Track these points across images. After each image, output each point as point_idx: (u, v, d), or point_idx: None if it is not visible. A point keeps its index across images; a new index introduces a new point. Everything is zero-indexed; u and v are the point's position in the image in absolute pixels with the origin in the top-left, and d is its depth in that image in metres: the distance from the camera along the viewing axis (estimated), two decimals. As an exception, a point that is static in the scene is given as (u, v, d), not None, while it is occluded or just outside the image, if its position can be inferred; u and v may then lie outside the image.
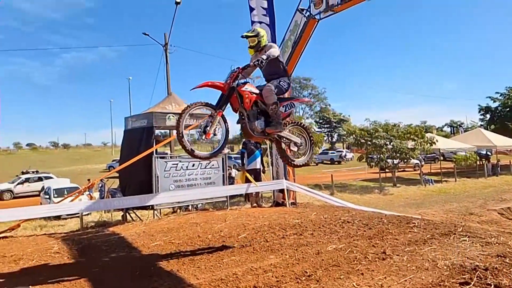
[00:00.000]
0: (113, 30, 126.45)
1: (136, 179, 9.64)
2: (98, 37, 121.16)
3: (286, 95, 4.76)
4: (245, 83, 4.27)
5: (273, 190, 10.31)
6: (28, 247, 6.18)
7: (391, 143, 22.79)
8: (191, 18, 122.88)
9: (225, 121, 4.18)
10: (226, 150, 17.86)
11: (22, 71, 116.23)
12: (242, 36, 4.50)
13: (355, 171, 32.64)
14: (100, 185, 19.21)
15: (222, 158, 9.93)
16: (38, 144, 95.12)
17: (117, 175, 12.36)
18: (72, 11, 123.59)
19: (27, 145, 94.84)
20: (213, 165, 9.81)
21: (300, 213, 7.72)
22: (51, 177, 26.41)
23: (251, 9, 10.44)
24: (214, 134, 4.07)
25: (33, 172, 31.48)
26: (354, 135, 24.86)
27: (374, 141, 22.86)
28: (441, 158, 32.66)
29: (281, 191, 9.90)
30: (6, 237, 7.49)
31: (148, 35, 19.26)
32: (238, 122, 4.39)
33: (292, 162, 4.69)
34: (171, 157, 10.09)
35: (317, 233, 5.72)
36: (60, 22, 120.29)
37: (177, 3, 17.05)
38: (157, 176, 8.97)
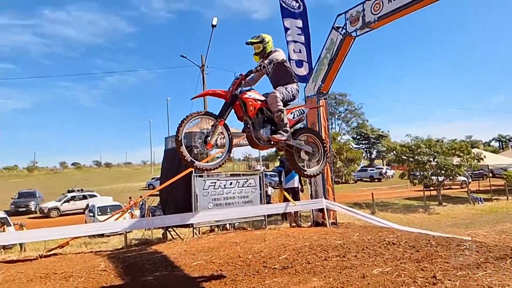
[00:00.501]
0: (152, 53, 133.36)
1: (176, 197, 9.91)
2: (138, 60, 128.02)
3: (297, 101, 4.53)
4: (249, 90, 4.11)
5: (312, 210, 10.17)
6: (76, 264, 6.49)
7: (435, 160, 21.90)
8: (227, 40, 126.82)
9: (228, 131, 4.01)
10: (261, 168, 17.95)
11: (68, 94, 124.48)
12: (247, 43, 4.34)
13: (396, 188, 31.49)
14: (141, 203, 19.90)
15: (259, 176, 9.99)
16: (82, 163, 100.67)
17: (157, 193, 12.78)
18: (114, 37, 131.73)
19: (72, 164, 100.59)
20: (250, 183, 9.88)
21: (341, 234, 7.55)
22: (95, 195, 27.72)
23: (286, 29, 10.63)
24: (216, 145, 3.96)
25: (78, 190, 33.20)
26: (394, 152, 24.16)
27: (416, 157, 22.09)
28: (490, 174, 30.77)
29: (321, 210, 9.75)
30: (56, 254, 7.91)
31: (185, 57, 20.11)
32: (243, 131, 4.19)
33: (304, 172, 4.41)
34: (208, 175, 10.32)
35: (361, 255, 5.57)
36: (103, 47, 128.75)
37: (213, 26, 17.72)
38: (196, 195, 9.17)
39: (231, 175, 10.28)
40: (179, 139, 3.62)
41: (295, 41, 10.47)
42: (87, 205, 24.85)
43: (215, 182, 9.51)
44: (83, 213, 24.98)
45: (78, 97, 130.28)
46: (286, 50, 8.33)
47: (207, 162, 4.61)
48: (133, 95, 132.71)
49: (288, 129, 4.08)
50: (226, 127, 3.96)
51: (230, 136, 4.03)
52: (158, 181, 38.39)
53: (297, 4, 10.40)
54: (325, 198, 9.84)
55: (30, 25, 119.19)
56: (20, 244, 11.81)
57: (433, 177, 22.45)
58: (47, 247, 9.04)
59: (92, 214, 18.82)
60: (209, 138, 3.78)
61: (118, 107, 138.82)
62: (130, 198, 21.73)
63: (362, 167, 44.96)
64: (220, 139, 4.06)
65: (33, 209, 28.27)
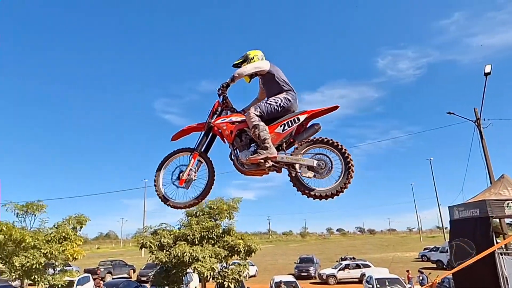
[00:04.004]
0: (402, 114, 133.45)
1: (475, 278, 9.06)
2: (389, 123, 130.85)
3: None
4: (221, 114, 4.03)
5: None
6: None
7: None
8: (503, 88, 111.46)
9: (207, 163, 3.98)
10: None
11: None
12: (233, 66, 4.15)
13: None
14: (420, 277, 19.07)
15: None
16: (346, 229, 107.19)
17: (433, 265, 12.03)
18: (363, 105, 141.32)
19: (337, 230, 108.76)
20: None
21: None
22: (368, 265, 28.66)
23: None
24: (189, 180, 3.89)
25: (350, 258, 35.31)
26: None
27: None
28: None
29: None
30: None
31: (453, 113, 19.17)
32: (229, 158, 3.99)
33: (311, 192, 3.67)
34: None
35: None
36: (353, 116, 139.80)
37: (486, 74, 16.30)
38: (505, 277, 8.11)
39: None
40: (154, 183, 3.96)
41: None
42: (362, 274, 26.03)
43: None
44: (358, 282, 26.25)
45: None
46: None
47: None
48: (389, 158, 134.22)
49: (268, 145, 3.63)
50: (206, 159, 3.99)
51: (211, 168, 3.96)
52: (433, 252, 35.56)
53: None
54: None
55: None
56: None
57: None
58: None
59: (370, 286, 19.51)
60: (181, 173, 3.86)
61: (375, 171, 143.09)
62: (407, 271, 21.19)
63: None
64: (194, 172, 3.95)
65: (312, 274, 31.93)
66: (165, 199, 3.98)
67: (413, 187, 76.06)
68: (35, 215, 19.84)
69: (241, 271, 17.54)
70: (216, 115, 4.04)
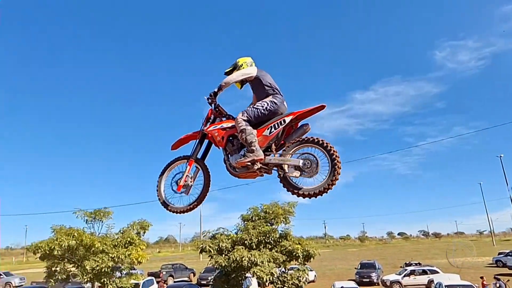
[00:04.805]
0: (465, 109, 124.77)
1: None
2: (451, 119, 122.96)
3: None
4: (215, 121, 4.21)
5: None
6: None
7: None
8: None
9: (203, 169, 4.20)
10: None
11: (384, 165, 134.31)
12: (224, 73, 4.29)
13: None
14: (497, 285, 17.65)
15: None
16: (408, 233, 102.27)
17: (510, 272, 11.01)
18: (421, 101, 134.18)
19: (399, 234, 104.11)
20: None
21: None
22: (436, 271, 27.03)
23: None
24: (186, 186, 4.10)
25: (415, 264, 33.55)
26: None
27: None
28: None
29: None
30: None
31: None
32: (224, 162, 4.17)
33: (299, 191, 3.74)
34: None
35: None
36: (411, 113, 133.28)
37: None
38: None
39: None
40: (156, 190, 4.25)
41: None
42: (429, 281, 24.60)
43: None
44: (425, 289, 24.85)
45: (392, 166, 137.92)
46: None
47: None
48: (451, 156, 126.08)
49: (254, 148, 3.78)
50: (202, 165, 4.21)
51: (206, 174, 4.17)
52: (509, 257, 32.77)
53: None
54: None
55: (344, 110, 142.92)
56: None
57: None
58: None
59: (440, 294, 18.39)
60: (179, 180, 4.09)
61: (438, 171, 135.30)
62: (482, 278, 19.65)
63: None
64: (191, 179, 4.15)
65: (375, 280, 30.70)
66: (165, 204, 4.24)
67: (482, 187, 70.48)
68: (102, 221, 21.26)
69: (300, 276, 17.39)
70: (209, 123, 4.22)
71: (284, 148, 3.86)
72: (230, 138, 4.06)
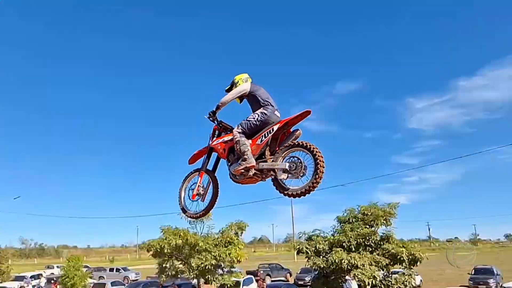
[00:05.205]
0: None
1: None
2: None
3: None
4: (221, 135, 4.67)
5: None
6: None
7: None
8: None
9: (212, 179, 4.66)
10: None
11: (499, 159, 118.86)
12: (226, 90, 4.73)
13: None
14: None
15: None
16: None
17: None
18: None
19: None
20: None
21: None
22: None
23: None
24: (199, 194, 4.63)
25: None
26: None
27: None
28: None
29: None
30: None
31: None
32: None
33: (287, 192, 4.16)
34: None
35: None
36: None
37: None
38: None
39: None
40: (178, 198, 4.80)
41: None
42: None
43: None
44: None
45: (509, 160, 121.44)
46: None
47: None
48: None
49: (247, 156, 4.18)
50: (211, 176, 4.68)
51: (215, 183, 4.63)
52: None
53: None
54: None
55: (447, 100, 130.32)
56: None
57: None
58: None
59: None
60: (193, 190, 4.64)
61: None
62: None
63: None
64: (203, 188, 4.66)
65: (493, 287, 27.62)
66: (184, 210, 4.80)
67: None
68: (203, 222, 22.63)
69: (406, 281, 16.36)
70: (215, 137, 4.72)
71: (276, 153, 4.26)
72: (231, 149, 4.48)
